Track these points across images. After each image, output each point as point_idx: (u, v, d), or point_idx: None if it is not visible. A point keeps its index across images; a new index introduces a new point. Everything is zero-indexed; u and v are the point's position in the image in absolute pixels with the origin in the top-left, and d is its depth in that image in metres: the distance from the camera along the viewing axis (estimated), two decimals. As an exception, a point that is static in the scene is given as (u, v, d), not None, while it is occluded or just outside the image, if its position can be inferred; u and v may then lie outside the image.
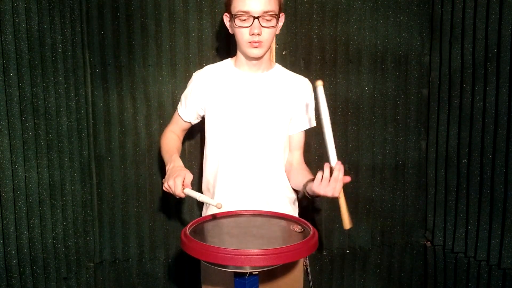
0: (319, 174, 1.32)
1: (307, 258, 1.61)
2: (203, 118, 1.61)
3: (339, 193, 1.31)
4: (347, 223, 1.32)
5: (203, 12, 1.97)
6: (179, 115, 1.62)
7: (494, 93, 1.86)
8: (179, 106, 1.63)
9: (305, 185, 1.44)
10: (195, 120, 1.62)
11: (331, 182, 1.29)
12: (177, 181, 1.33)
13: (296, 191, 1.60)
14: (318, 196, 1.36)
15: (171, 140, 1.60)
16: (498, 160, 1.85)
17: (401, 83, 2.15)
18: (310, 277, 1.59)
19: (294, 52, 2.05)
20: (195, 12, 1.96)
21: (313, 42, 2.06)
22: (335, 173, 1.29)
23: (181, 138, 1.66)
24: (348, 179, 1.32)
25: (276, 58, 2.01)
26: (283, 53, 2.05)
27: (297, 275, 1.58)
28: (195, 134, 2.04)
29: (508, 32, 1.78)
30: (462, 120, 2.01)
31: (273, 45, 2.00)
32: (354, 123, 2.14)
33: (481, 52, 1.90)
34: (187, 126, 1.65)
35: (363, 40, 2.09)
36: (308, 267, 1.61)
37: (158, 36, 1.97)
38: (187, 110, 1.59)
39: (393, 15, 2.10)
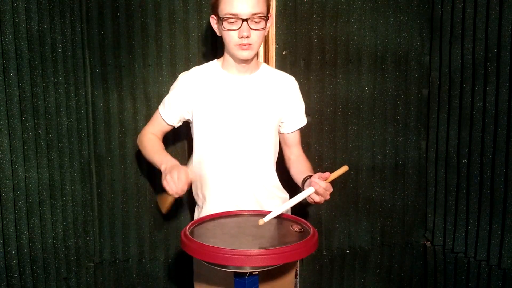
0: (309, 199, 1.36)
1: (298, 260, 1.62)
2: (184, 122, 1.59)
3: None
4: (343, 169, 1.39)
5: (203, 12, 1.97)
6: (162, 118, 1.56)
7: (494, 93, 1.86)
8: (161, 108, 1.57)
9: (303, 185, 1.45)
10: (178, 124, 1.58)
11: (321, 195, 1.33)
12: (181, 173, 1.30)
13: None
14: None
15: (155, 142, 1.56)
16: (498, 160, 1.85)
17: (401, 83, 2.15)
18: (298, 279, 1.60)
19: (294, 52, 2.05)
20: (195, 12, 1.96)
21: (313, 42, 2.06)
22: (320, 190, 1.31)
23: (161, 141, 1.61)
24: (327, 176, 1.35)
25: (276, 58, 2.01)
26: (283, 53, 2.04)
27: (291, 275, 1.59)
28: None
29: (508, 32, 1.78)
30: (462, 120, 2.01)
31: (273, 46, 2.00)
32: (354, 123, 2.14)
33: (481, 52, 1.90)
34: (169, 129, 1.60)
35: (363, 40, 2.09)
36: (298, 269, 1.61)
37: (158, 36, 1.97)
38: (172, 113, 1.55)
39: (393, 15, 2.10)
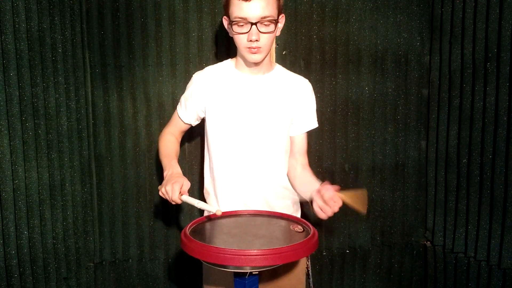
0: (315, 206, 1.31)
1: (309, 260, 1.61)
2: (203, 120, 1.60)
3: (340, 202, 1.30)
4: (362, 210, 1.31)
5: (203, 12, 1.97)
6: (179, 117, 1.60)
7: (494, 93, 1.86)
8: (178, 108, 1.61)
9: (310, 199, 1.40)
10: (195, 122, 1.61)
11: (328, 206, 1.28)
12: (175, 187, 1.32)
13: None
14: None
15: (170, 144, 1.58)
16: (498, 160, 1.85)
17: (401, 83, 2.15)
18: (311, 279, 1.59)
19: (294, 52, 2.05)
20: (195, 12, 1.96)
21: (313, 42, 2.06)
22: (327, 196, 1.27)
23: (180, 140, 1.65)
24: (337, 188, 1.31)
25: (276, 58, 2.01)
26: (283, 53, 2.05)
27: (299, 276, 1.58)
28: (195, 135, 2.04)
29: (508, 32, 1.78)
30: (462, 120, 2.01)
31: (273, 46, 2.00)
32: (354, 123, 2.14)
33: (481, 52, 1.90)
34: (187, 127, 1.63)
35: (363, 40, 2.09)
36: (310, 269, 1.61)
37: (158, 36, 1.97)
38: (188, 112, 1.57)
39: (393, 15, 2.10)
